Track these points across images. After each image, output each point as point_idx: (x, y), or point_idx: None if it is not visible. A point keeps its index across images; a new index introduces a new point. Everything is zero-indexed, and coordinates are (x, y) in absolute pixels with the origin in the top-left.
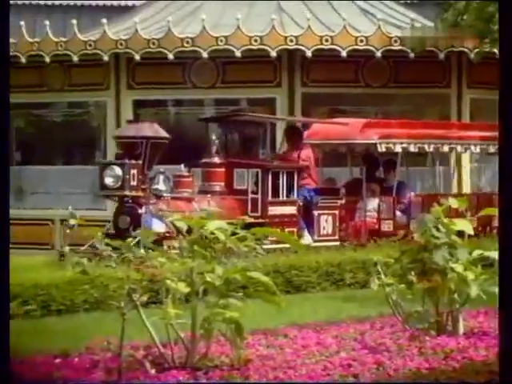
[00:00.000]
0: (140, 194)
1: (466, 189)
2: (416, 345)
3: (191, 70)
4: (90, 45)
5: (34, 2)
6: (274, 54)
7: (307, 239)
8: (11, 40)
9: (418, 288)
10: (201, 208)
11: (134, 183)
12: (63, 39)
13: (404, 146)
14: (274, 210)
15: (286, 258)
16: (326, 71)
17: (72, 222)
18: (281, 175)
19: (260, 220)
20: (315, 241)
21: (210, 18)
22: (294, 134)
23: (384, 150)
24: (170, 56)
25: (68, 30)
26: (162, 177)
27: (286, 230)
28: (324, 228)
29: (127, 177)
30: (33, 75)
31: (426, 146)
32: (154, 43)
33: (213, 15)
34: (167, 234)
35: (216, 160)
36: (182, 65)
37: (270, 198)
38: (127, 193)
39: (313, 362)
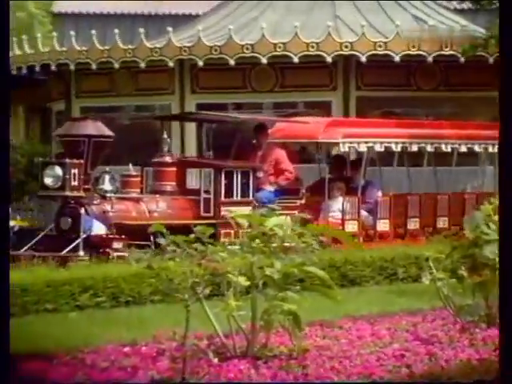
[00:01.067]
0: (81, 194)
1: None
2: (467, 337)
3: (251, 75)
4: (156, 52)
5: (104, 12)
6: (329, 59)
7: None
8: (83, 48)
9: (468, 282)
10: (149, 208)
11: (75, 183)
12: (131, 46)
13: (369, 145)
14: (228, 211)
15: (342, 254)
16: (380, 75)
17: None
18: (235, 175)
19: (212, 221)
20: None
21: (270, 26)
22: (260, 133)
23: (347, 149)
24: (231, 62)
25: (136, 37)
26: (107, 176)
27: (242, 230)
28: None
29: (67, 176)
30: (103, 81)
31: (393, 146)
32: (216, 50)
33: (272, 23)
34: (110, 236)
35: (167, 159)
36: (242, 70)
37: (222, 199)
38: (68, 193)
39: (367, 353)
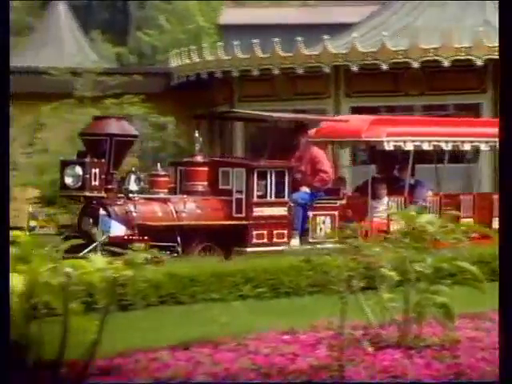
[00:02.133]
0: (102, 194)
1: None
2: None
3: (403, 79)
4: (313, 58)
5: (265, 22)
6: (479, 63)
7: (294, 242)
8: (246, 56)
9: None
10: (177, 209)
11: (95, 183)
12: (290, 54)
13: (416, 143)
14: (260, 211)
15: (492, 249)
16: None
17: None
18: (268, 175)
19: (244, 222)
20: (310, 243)
21: (421, 32)
22: (298, 132)
23: (392, 148)
24: (384, 67)
25: (294, 45)
26: (133, 176)
27: (275, 232)
28: (321, 229)
29: (88, 176)
30: (264, 86)
31: (442, 145)
32: (370, 56)
33: (423, 29)
34: (131, 237)
35: (199, 158)
36: (394, 74)
37: (255, 199)
38: (87, 193)
39: None
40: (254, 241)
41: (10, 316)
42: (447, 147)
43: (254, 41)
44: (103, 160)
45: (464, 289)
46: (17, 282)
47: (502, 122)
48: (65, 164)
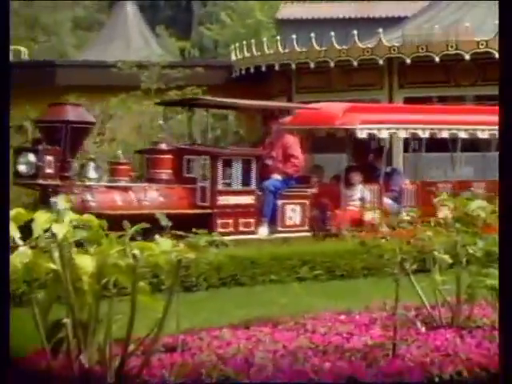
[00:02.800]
0: (57, 182)
1: None
2: None
3: (454, 71)
4: (368, 51)
5: (321, 17)
6: None
7: (262, 230)
8: (303, 49)
9: None
10: (138, 197)
11: (50, 171)
12: (345, 47)
13: (391, 131)
14: (226, 200)
15: None
16: None
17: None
18: (234, 163)
19: (208, 210)
20: (279, 231)
21: (473, 25)
22: (267, 120)
23: (365, 135)
24: (437, 59)
25: (349, 39)
26: (92, 164)
27: (242, 220)
28: (290, 218)
29: (41, 164)
30: (320, 78)
31: (419, 132)
32: (422, 48)
33: (475, 23)
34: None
35: (163, 146)
36: (446, 66)
37: (220, 187)
38: (41, 181)
39: None
40: (219, 230)
41: (82, 295)
42: (424, 135)
43: (312, 35)
44: (58, 147)
45: None
46: (88, 263)
47: (501, 122)
48: (18, 151)
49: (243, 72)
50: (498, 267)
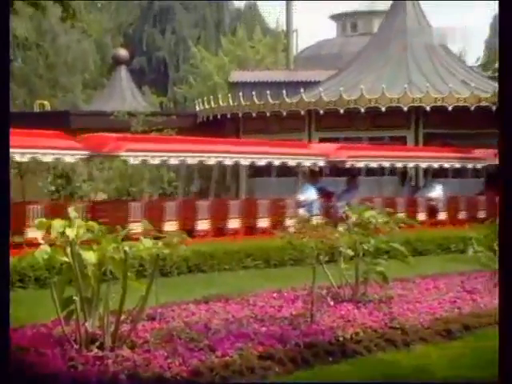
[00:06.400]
0: None
1: None
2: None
3: (354, 119)
4: (293, 105)
5: (260, 80)
6: (405, 109)
7: None
8: (247, 103)
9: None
10: None
11: None
12: (277, 102)
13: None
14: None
15: (415, 233)
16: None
17: None
18: None
19: None
20: None
21: (367, 87)
22: None
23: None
24: (342, 111)
25: (280, 96)
26: None
27: None
28: None
29: None
30: (260, 123)
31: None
32: (331, 103)
33: (367, 86)
34: None
35: None
36: (348, 115)
37: None
38: None
39: (431, 299)
40: None
41: (87, 279)
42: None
43: (253, 93)
44: None
45: (395, 262)
46: (92, 256)
47: (501, 122)
48: None
49: (205, 119)
50: (498, 267)
